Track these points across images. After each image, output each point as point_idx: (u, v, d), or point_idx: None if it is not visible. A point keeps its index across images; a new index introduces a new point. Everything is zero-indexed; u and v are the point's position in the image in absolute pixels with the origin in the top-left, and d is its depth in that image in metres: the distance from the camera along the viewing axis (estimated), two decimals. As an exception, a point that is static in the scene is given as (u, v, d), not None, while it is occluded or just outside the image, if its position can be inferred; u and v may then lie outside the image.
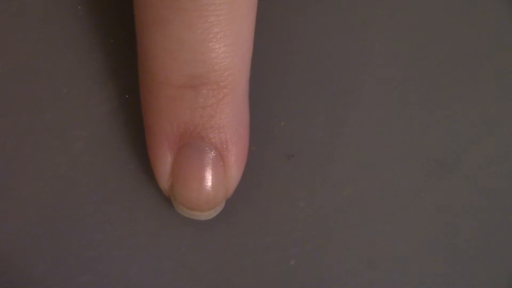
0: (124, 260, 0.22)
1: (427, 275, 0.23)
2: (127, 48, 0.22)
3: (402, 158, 0.23)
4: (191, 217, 0.21)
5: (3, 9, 0.22)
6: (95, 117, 0.22)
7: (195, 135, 0.20)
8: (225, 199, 0.21)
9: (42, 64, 0.22)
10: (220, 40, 0.19)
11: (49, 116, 0.22)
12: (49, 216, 0.22)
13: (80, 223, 0.22)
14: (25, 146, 0.22)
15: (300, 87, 0.23)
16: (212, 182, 0.20)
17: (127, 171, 0.22)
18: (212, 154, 0.20)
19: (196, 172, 0.20)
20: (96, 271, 0.22)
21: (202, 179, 0.20)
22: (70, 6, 0.22)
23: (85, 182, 0.22)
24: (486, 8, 0.23)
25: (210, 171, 0.20)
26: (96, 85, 0.22)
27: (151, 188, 0.22)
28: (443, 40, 0.23)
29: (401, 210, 0.23)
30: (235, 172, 0.21)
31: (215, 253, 0.22)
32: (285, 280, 0.22)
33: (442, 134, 0.23)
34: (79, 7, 0.22)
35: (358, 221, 0.23)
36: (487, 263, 0.23)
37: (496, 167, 0.23)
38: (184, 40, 0.19)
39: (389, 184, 0.23)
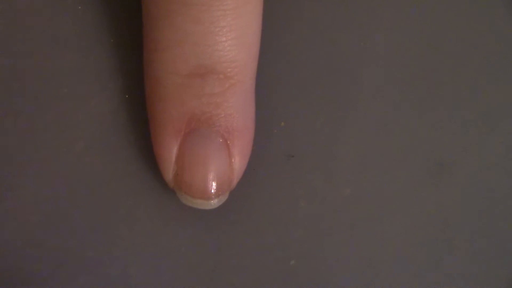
0: (124, 260, 0.22)
1: (427, 275, 0.23)
2: (127, 48, 0.22)
3: (402, 158, 0.23)
4: (195, 206, 0.21)
5: (3, 9, 0.22)
6: (95, 117, 0.22)
7: (201, 122, 0.20)
8: (229, 189, 0.21)
9: (42, 64, 0.22)
10: (226, 33, 0.20)
11: (49, 116, 0.22)
12: (49, 216, 0.22)
13: (80, 223, 0.22)
14: (25, 146, 0.22)
15: (300, 87, 0.23)
16: (217, 169, 0.20)
17: (127, 171, 0.22)
18: (218, 141, 0.20)
19: (201, 159, 0.20)
20: (96, 271, 0.22)
21: (207, 165, 0.20)
22: (70, 6, 0.22)
23: (85, 182, 0.22)
24: (486, 8, 0.23)
25: (216, 158, 0.20)
26: (96, 85, 0.22)
27: (152, 188, 0.22)
28: (443, 40, 0.23)
29: (401, 210, 0.23)
30: (239, 161, 0.21)
31: (215, 253, 0.22)
32: (285, 280, 0.22)
33: (442, 134, 0.23)
34: (79, 7, 0.22)
35: (358, 221, 0.23)
36: (487, 263, 0.23)
37: (496, 167, 0.23)
38: (191, 33, 0.20)
39: (389, 184, 0.23)
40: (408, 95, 0.23)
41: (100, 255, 0.22)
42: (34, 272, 0.22)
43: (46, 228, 0.22)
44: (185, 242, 0.22)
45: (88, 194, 0.22)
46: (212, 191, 0.21)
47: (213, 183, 0.21)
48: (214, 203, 0.21)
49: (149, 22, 0.20)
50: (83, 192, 0.22)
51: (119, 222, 0.22)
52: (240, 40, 0.20)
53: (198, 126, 0.20)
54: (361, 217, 0.23)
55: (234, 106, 0.20)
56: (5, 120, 0.22)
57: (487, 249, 0.23)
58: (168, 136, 0.21)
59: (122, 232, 0.22)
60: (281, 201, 0.23)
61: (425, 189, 0.23)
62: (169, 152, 0.21)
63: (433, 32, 0.23)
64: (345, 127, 0.23)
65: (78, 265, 0.22)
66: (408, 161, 0.23)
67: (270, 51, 0.23)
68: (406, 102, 0.23)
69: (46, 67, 0.22)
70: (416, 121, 0.23)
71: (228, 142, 0.21)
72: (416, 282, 0.23)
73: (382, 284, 0.23)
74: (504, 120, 0.23)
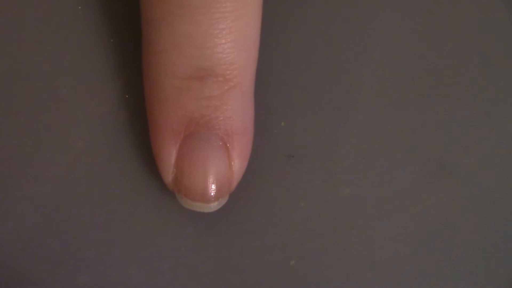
0: (124, 260, 0.22)
1: (427, 275, 0.23)
2: (127, 48, 0.22)
3: (402, 158, 0.23)
4: (195, 209, 0.21)
5: (3, 9, 0.22)
6: (95, 117, 0.22)
7: (200, 125, 0.20)
8: (228, 192, 0.21)
9: (42, 64, 0.22)
10: (226, 36, 0.20)
11: (49, 116, 0.22)
12: (49, 216, 0.22)
13: (80, 223, 0.22)
14: (25, 146, 0.22)
15: (300, 87, 0.23)
16: (217, 173, 0.20)
17: (127, 171, 0.22)
18: (217, 144, 0.20)
19: (200, 162, 0.20)
20: (96, 271, 0.22)
21: (206, 169, 0.20)
22: (70, 6, 0.22)
23: (85, 182, 0.22)
24: (486, 8, 0.23)
25: (215, 161, 0.20)
26: (96, 85, 0.22)
27: (151, 188, 0.22)
28: (443, 40, 0.23)
29: (401, 210, 0.23)
30: (239, 164, 0.21)
31: (215, 253, 0.22)
32: (285, 280, 0.22)
33: (442, 134, 0.23)
34: (79, 7, 0.22)
35: (358, 221, 0.23)
36: (487, 263, 0.23)
37: (496, 167, 0.23)
38: (190, 35, 0.20)
39: (389, 184, 0.23)
40: (408, 95, 0.23)
41: (100, 255, 0.22)
42: (34, 272, 0.22)
43: (46, 228, 0.22)
44: (185, 242, 0.22)
45: (88, 194, 0.22)
46: (212, 194, 0.21)
47: (213, 186, 0.20)
48: (214, 206, 0.21)
49: (147, 24, 0.20)
50: (82, 192, 0.22)
51: (119, 222, 0.22)
52: (239, 42, 0.20)
53: (197, 129, 0.20)
54: (361, 217, 0.23)
55: (233, 109, 0.20)
56: (5, 120, 0.22)
57: (487, 249, 0.23)
58: (167, 139, 0.20)
59: (122, 232, 0.22)
60: (281, 201, 0.23)
61: (425, 189, 0.23)
62: (168, 155, 0.21)
63: (433, 32, 0.23)
64: (345, 127, 0.23)
65: (78, 265, 0.22)
66: (408, 161, 0.23)
67: (270, 51, 0.23)
68: (406, 102, 0.23)
69: (46, 67, 0.22)
70: (416, 121, 0.23)
71: (228, 145, 0.20)
72: (416, 282, 0.23)
73: (382, 284, 0.23)
74: (504, 120, 0.23)
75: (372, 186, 0.23)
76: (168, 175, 0.21)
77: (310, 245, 0.22)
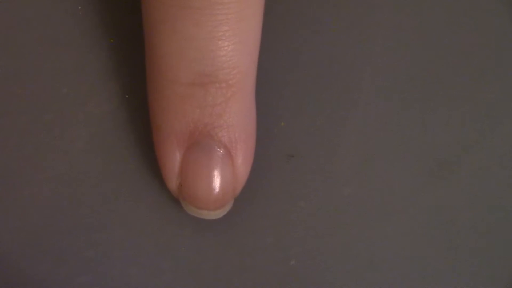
0: (124, 260, 0.22)
1: (427, 275, 0.23)
2: (127, 48, 0.22)
3: (402, 158, 0.23)
4: (200, 216, 0.21)
5: (3, 9, 0.22)
6: (95, 117, 0.22)
7: (204, 134, 0.20)
8: (233, 198, 0.21)
9: (42, 64, 0.22)
10: (229, 38, 0.19)
11: (49, 116, 0.22)
12: (49, 216, 0.22)
13: (80, 223, 0.22)
14: (25, 146, 0.22)
15: (300, 87, 0.23)
16: (221, 181, 0.20)
17: (127, 171, 0.22)
18: (221, 152, 0.20)
19: (205, 171, 0.20)
20: (96, 271, 0.22)
21: (211, 178, 0.20)
22: (70, 6, 0.22)
23: (85, 182, 0.22)
24: (486, 8, 0.23)
25: (219, 169, 0.20)
26: (96, 85, 0.22)
27: (151, 188, 0.22)
28: (444, 40, 0.23)
29: (401, 210, 0.23)
30: (243, 170, 0.21)
31: (215, 253, 0.22)
32: (285, 280, 0.22)
33: (442, 134, 0.23)
34: (79, 7, 0.22)
35: (358, 221, 0.23)
36: (487, 263, 0.23)
37: (496, 167, 0.23)
38: (192, 38, 0.19)
39: (389, 184, 0.23)
40: (408, 95, 0.23)
41: (100, 255, 0.22)
42: (33, 272, 0.22)
43: (46, 228, 0.22)
44: (185, 242, 0.22)
45: (88, 194, 0.22)
46: (217, 202, 0.21)
47: (218, 194, 0.20)
48: (219, 212, 0.21)
49: (149, 26, 0.20)
50: (82, 192, 0.22)
51: (119, 222, 0.22)
52: (243, 45, 0.20)
53: (201, 139, 0.20)
54: (361, 217, 0.23)
55: (237, 116, 0.20)
56: (5, 120, 0.22)
57: (487, 249, 0.23)
58: (171, 148, 0.20)
59: (122, 232, 0.22)
60: (281, 201, 0.23)
61: (425, 189, 0.23)
62: (173, 164, 0.20)
63: (433, 32, 0.23)
64: (345, 127, 0.23)
65: (78, 265, 0.22)
66: (408, 161, 0.23)
67: (270, 51, 0.23)
68: (406, 102, 0.23)
69: (46, 67, 0.22)
70: (416, 121, 0.23)
71: (231, 152, 0.20)
72: (416, 282, 0.23)
73: (382, 284, 0.23)
74: (505, 120, 0.23)
75: (372, 186, 0.23)
76: (173, 182, 0.21)
77: (310, 245, 0.22)
